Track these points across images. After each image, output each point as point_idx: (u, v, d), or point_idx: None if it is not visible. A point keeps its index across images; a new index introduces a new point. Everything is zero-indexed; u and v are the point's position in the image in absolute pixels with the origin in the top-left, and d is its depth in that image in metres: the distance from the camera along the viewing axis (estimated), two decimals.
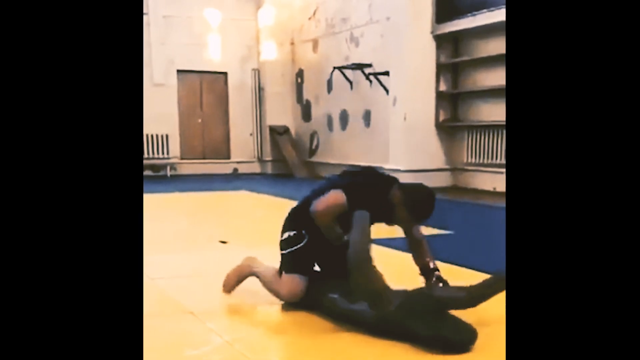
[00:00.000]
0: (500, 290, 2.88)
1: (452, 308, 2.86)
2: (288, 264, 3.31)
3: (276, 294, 3.31)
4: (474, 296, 2.91)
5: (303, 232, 3.31)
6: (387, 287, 2.88)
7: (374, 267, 2.85)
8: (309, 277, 3.27)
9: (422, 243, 3.39)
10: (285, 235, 3.37)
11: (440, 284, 3.22)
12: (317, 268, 3.39)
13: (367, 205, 3.04)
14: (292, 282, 3.25)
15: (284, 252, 3.34)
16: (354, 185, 3.24)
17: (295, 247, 3.29)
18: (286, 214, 3.46)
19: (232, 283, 3.54)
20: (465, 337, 2.70)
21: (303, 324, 3.08)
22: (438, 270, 3.31)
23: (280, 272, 3.35)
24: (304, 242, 3.29)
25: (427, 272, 3.30)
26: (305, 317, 3.14)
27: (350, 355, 2.69)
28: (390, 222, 3.34)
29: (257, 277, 3.47)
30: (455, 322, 2.74)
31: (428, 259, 3.34)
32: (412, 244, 3.39)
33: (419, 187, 3.37)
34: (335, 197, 3.14)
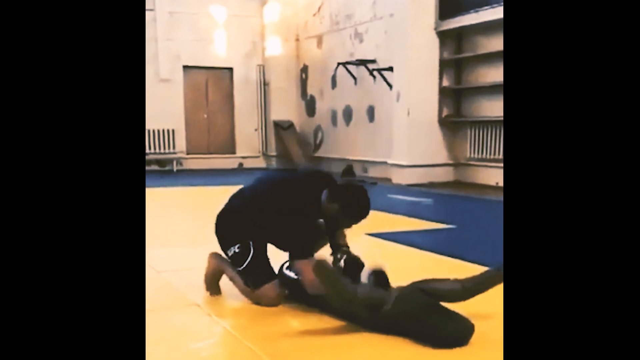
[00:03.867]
0: (495, 285, 2.91)
1: (447, 301, 2.88)
2: (251, 278, 3.28)
3: (255, 303, 3.29)
4: (468, 289, 2.93)
5: (249, 242, 3.27)
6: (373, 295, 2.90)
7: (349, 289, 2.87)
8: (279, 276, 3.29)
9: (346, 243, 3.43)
10: (231, 252, 3.31)
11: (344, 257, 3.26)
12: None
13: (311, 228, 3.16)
14: (268, 293, 3.24)
15: (239, 269, 3.30)
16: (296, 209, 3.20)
17: (248, 261, 3.26)
18: (218, 222, 3.42)
19: (212, 285, 3.52)
20: (462, 331, 2.70)
21: (306, 315, 3.11)
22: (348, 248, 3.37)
23: (246, 284, 3.31)
24: (253, 251, 3.26)
25: (337, 248, 3.37)
26: (308, 309, 3.17)
27: (351, 348, 2.72)
28: (332, 232, 3.34)
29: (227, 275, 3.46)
30: (451, 316, 2.75)
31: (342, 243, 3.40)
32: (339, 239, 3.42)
33: (351, 189, 3.22)
34: (308, 270, 3.00)
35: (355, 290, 2.85)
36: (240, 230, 3.33)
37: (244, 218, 3.35)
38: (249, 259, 3.26)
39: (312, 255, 3.14)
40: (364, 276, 3.15)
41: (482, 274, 3.02)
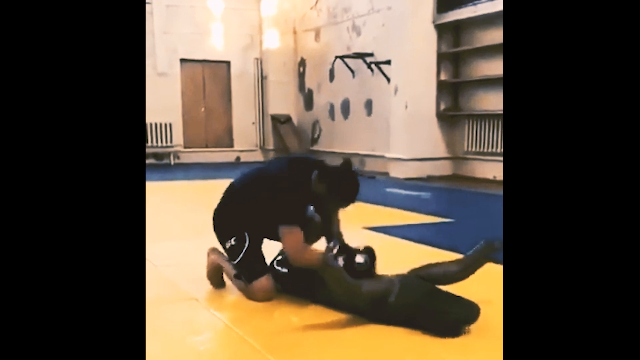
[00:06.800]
0: (488, 259, 2.98)
1: (444, 283, 2.93)
2: (245, 271, 3.30)
3: (249, 298, 3.30)
4: (463, 269, 2.99)
5: (244, 234, 3.29)
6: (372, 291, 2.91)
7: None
8: (272, 270, 3.31)
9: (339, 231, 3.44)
10: (228, 245, 3.33)
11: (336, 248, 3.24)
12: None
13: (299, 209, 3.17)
14: (261, 287, 3.24)
15: (234, 262, 3.32)
16: (283, 193, 3.18)
17: (243, 254, 3.28)
18: (214, 218, 3.43)
19: (215, 279, 3.54)
20: (468, 312, 2.72)
21: (305, 309, 3.12)
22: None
23: (239, 277, 3.34)
24: (248, 243, 3.27)
25: (330, 235, 3.38)
26: (307, 302, 3.18)
27: (350, 341, 2.73)
28: (323, 216, 3.37)
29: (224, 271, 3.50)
30: (455, 299, 2.77)
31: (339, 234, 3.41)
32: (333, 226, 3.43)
33: (340, 171, 3.17)
34: (295, 238, 3.08)
35: (359, 286, 2.86)
36: (235, 223, 3.34)
37: (237, 210, 3.36)
38: (244, 251, 3.27)
39: (298, 225, 3.11)
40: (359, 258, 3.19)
41: (472, 252, 3.05)
